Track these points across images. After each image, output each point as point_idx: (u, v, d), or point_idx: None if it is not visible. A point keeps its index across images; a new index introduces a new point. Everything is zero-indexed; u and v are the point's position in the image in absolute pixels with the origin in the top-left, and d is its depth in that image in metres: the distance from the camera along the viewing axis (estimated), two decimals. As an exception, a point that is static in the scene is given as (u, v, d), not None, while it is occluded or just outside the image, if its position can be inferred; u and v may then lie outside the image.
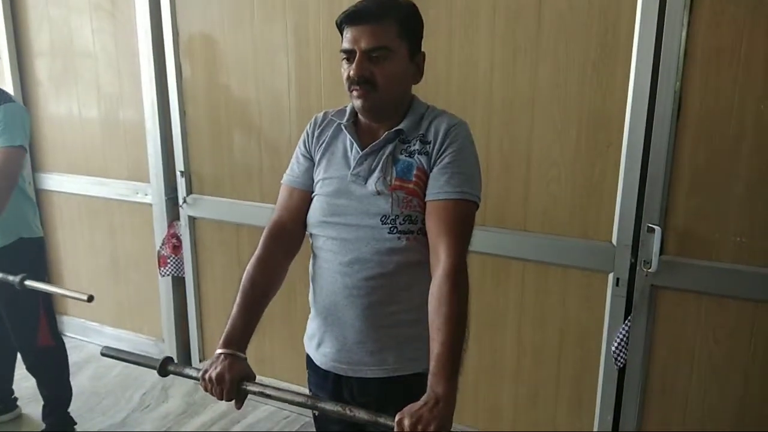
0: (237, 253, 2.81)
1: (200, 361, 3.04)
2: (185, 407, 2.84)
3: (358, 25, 1.25)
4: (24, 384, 2.78)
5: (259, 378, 1.31)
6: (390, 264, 1.29)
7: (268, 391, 1.25)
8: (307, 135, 1.43)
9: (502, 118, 2.09)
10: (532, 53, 2.00)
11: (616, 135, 1.93)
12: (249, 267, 1.39)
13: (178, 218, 2.92)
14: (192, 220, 2.87)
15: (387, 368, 1.34)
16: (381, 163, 1.30)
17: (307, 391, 1.50)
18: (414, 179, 1.28)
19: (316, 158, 1.40)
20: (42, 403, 2.54)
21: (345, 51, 1.27)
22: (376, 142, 1.32)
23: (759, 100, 1.73)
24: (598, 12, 1.88)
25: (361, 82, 1.25)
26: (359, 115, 1.36)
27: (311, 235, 1.41)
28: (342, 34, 1.29)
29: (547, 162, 2.05)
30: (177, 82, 2.72)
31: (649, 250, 1.90)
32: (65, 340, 2.62)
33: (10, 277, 2.09)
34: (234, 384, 1.25)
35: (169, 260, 2.96)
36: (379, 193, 1.28)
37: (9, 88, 3.19)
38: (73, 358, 2.63)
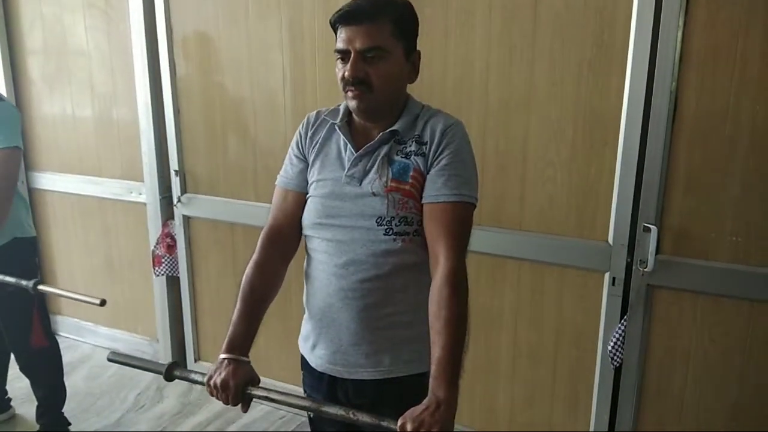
0: (232, 253, 2.80)
1: (195, 361, 3.03)
2: (180, 407, 2.83)
3: (353, 25, 1.23)
4: (17, 384, 2.76)
5: (254, 377, 1.31)
6: (385, 266, 1.28)
7: (272, 396, 1.26)
8: (300, 136, 1.41)
9: (498, 118, 2.08)
10: (527, 52, 1.99)
11: (612, 134, 1.92)
12: (248, 271, 1.38)
13: (172, 217, 2.91)
14: (186, 219, 2.86)
15: (382, 370, 1.34)
16: (376, 164, 1.29)
17: (302, 391, 1.49)
18: (410, 180, 1.27)
19: (310, 159, 1.38)
20: (36, 403, 2.52)
21: (339, 51, 1.26)
22: (371, 143, 1.30)
23: (754, 101, 1.73)
24: (593, 11, 1.88)
25: (356, 83, 1.24)
26: (353, 115, 1.34)
27: (306, 236, 1.40)
28: (336, 34, 1.27)
29: (543, 161, 2.05)
30: (171, 80, 2.70)
31: (645, 250, 1.90)
32: (59, 339, 2.60)
33: (24, 282, 2.10)
34: (239, 390, 1.26)
35: (163, 260, 2.95)
36: (374, 194, 1.27)
37: (1, 87, 3.17)
38: (67, 358, 2.62)
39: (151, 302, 3.12)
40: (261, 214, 2.54)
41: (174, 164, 2.80)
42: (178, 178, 2.80)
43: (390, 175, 1.28)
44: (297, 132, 1.42)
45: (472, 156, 1.31)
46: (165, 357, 3.11)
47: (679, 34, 1.77)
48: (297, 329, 1.50)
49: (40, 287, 2.06)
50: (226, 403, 1.28)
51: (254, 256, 1.39)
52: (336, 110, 1.38)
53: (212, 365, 1.31)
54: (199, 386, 2.92)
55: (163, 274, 2.98)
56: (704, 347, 1.93)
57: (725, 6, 1.71)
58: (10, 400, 2.73)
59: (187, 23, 2.63)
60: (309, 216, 1.36)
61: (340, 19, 1.25)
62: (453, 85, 2.13)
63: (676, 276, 1.91)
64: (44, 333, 2.43)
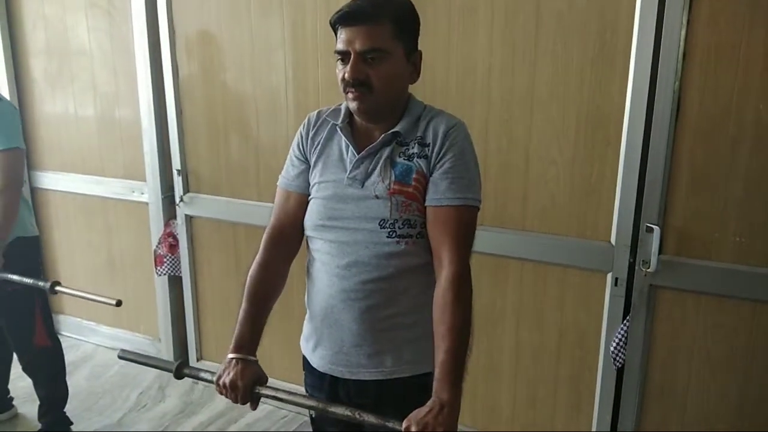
0: (234, 252, 2.80)
1: (198, 360, 3.03)
2: (182, 407, 2.83)
3: (352, 26, 1.22)
4: (20, 383, 2.76)
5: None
6: (388, 268, 1.28)
7: (280, 395, 1.30)
8: (301, 137, 1.40)
9: (501, 118, 2.08)
10: (530, 52, 1.99)
11: (615, 134, 1.92)
12: (252, 272, 1.39)
13: (174, 217, 2.91)
14: (189, 218, 2.86)
15: (384, 371, 1.34)
16: (379, 166, 1.28)
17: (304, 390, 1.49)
18: (413, 183, 1.27)
19: (312, 160, 1.37)
20: (38, 403, 2.52)
21: (339, 52, 1.25)
22: (373, 144, 1.30)
23: (758, 100, 1.72)
24: (596, 11, 1.87)
25: (357, 84, 1.23)
26: (355, 116, 1.34)
27: (308, 237, 1.39)
28: (336, 34, 1.26)
29: (545, 161, 2.04)
30: (173, 80, 2.70)
31: (648, 250, 1.90)
32: (61, 339, 2.61)
33: (41, 283, 2.15)
34: (247, 389, 1.29)
35: (165, 259, 2.95)
36: (377, 197, 1.27)
37: (4, 87, 3.17)
38: (69, 357, 2.62)
39: (153, 301, 3.12)
40: (263, 214, 2.54)
41: (176, 164, 2.80)
42: (180, 178, 2.80)
43: (393, 177, 1.27)
44: (298, 133, 1.41)
45: (474, 157, 1.31)
46: (167, 356, 3.11)
47: (683, 32, 1.76)
48: (298, 329, 1.49)
49: (58, 288, 2.10)
50: (236, 402, 1.31)
51: (258, 257, 1.40)
52: (337, 110, 1.37)
53: (220, 365, 1.34)
54: (200, 386, 2.95)
55: (165, 274, 2.98)
56: (707, 348, 1.92)
57: (728, 4, 1.70)
58: (12, 399, 2.74)
59: (190, 23, 2.63)
60: (311, 217, 1.35)
61: (339, 20, 1.24)
62: (455, 84, 2.12)
63: (679, 276, 1.90)
64: (47, 333, 2.43)
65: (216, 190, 2.75)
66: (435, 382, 1.18)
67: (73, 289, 2.19)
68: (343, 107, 1.36)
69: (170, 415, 2.77)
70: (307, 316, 1.45)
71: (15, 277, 2.17)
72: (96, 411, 2.79)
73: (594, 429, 2.16)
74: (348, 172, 1.30)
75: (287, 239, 1.40)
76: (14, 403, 2.74)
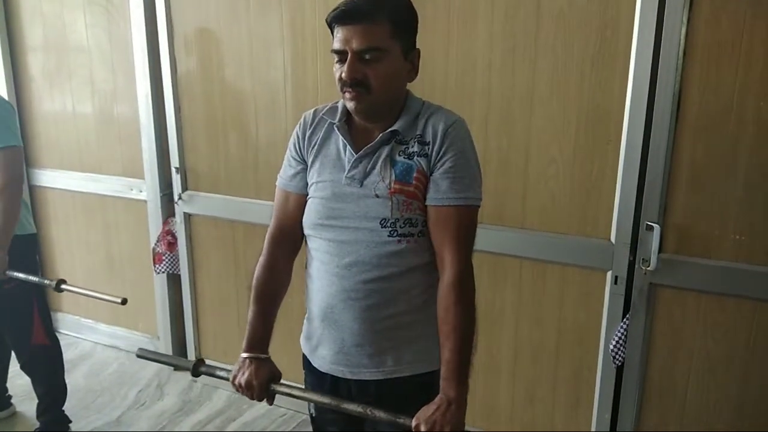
0: (233, 250, 2.79)
1: (196, 358, 3.01)
2: (181, 405, 2.82)
3: (349, 25, 1.20)
4: (18, 382, 2.76)
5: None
6: (389, 267, 1.27)
7: (294, 392, 1.36)
8: (297, 137, 1.39)
9: (501, 115, 2.07)
10: (530, 49, 1.98)
11: (615, 132, 1.91)
12: (257, 273, 1.41)
13: (173, 215, 2.90)
14: (187, 216, 2.85)
15: (385, 370, 1.33)
16: (378, 165, 1.27)
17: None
18: (414, 182, 1.26)
19: (309, 160, 1.36)
20: (36, 401, 2.52)
21: (336, 52, 1.23)
22: (371, 144, 1.28)
23: (758, 98, 1.71)
24: (597, 7, 1.86)
25: (354, 84, 1.21)
26: (352, 115, 1.32)
27: (307, 235, 1.39)
28: (332, 33, 1.25)
29: (545, 159, 2.03)
30: (172, 77, 2.69)
31: (648, 248, 1.89)
32: (59, 337, 2.60)
33: (47, 281, 2.19)
34: (262, 387, 1.36)
35: (164, 257, 2.94)
36: (377, 196, 1.26)
37: (2, 84, 3.16)
38: (67, 355, 2.61)
39: (151, 299, 3.12)
40: (262, 211, 2.55)
41: (175, 161, 2.79)
42: (178, 176, 2.79)
43: (393, 177, 1.26)
44: (294, 133, 1.40)
45: (475, 154, 1.30)
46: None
47: (683, 30, 1.75)
48: (298, 328, 1.49)
49: (64, 286, 2.11)
50: (252, 399, 1.38)
51: (262, 258, 1.41)
52: (334, 108, 1.35)
53: (235, 364, 1.40)
54: (199, 384, 2.95)
55: (163, 272, 2.97)
56: (707, 346, 1.92)
57: (729, 2, 1.69)
58: (10, 397, 2.73)
59: (188, 20, 2.62)
60: (310, 217, 1.35)
61: (335, 19, 1.22)
62: (455, 82, 2.11)
63: (679, 275, 1.90)
64: (45, 331, 2.43)
65: (215, 187, 2.75)
66: (441, 380, 1.23)
67: (79, 288, 2.21)
68: (340, 105, 1.34)
69: (169, 413, 2.76)
70: (307, 316, 1.45)
71: (21, 275, 2.19)
72: (94, 409, 2.79)
73: (593, 427, 2.15)
74: (346, 171, 1.29)
75: (289, 238, 1.40)
76: (12, 401, 2.74)
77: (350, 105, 1.26)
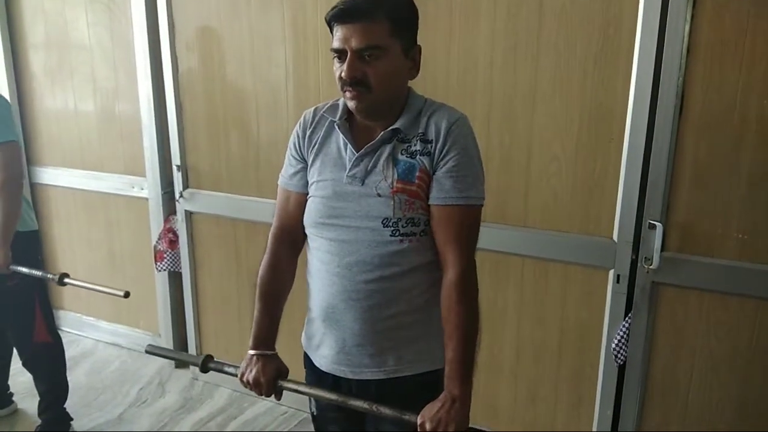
0: (234, 248, 2.79)
1: (197, 356, 3.02)
2: (183, 402, 2.82)
3: (348, 23, 1.19)
4: (20, 379, 2.76)
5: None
6: (391, 267, 1.27)
7: (301, 388, 1.38)
8: (297, 137, 1.38)
9: (503, 113, 2.06)
10: (532, 47, 1.97)
11: (618, 130, 1.90)
12: (261, 272, 1.42)
13: (174, 213, 2.90)
14: (189, 214, 2.85)
15: (387, 370, 1.33)
16: (380, 164, 1.26)
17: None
18: (417, 181, 1.25)
19: (309, 159, 1.36)
20: (37, 398, 2.52)
21: (335, 50, 1.22)
22: (372, 142, 1.27)
23: (762, 96, 1.70)
24: (599, 5, 1.86)
25: (354, 83, 1.21)
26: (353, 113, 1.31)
27: (308, 235, 1.38)
28: (332, 32, 1.24)
29: (547, 157, 2.03)
30: (173, 75, 2.69)
31: (651, 247, 1.88)
32: (61, 334, 2.60)
33: (50, 275, 2.21)
34: (270, 384, 1.38)
35: (165, 255, 2.94)
36: (380, 195, 1.25)
37: (3, 81, 3.16)
38: (69, 353, 2.62)
39: (153, 297, 3.12)
40: (263, 210, 2.55)
41: (176, 159, 2.79)
42: (180, 173, 2.79)
43: (395, 176, 1.25)
44: (294, 132, 1.39)
45: (478, 152, 1.29)
46: (167, 352, 3.11)
47: (687, 27, 1.74)
48: (298, 326, 1.49)
49: (66, 280, 2.12)
50: (260, 395, 1.40)
51: (265, 257, 1.42)
52: (335, 106, 1.34)
53: (242, 361, 1.41)
54: (201, 381, 2.95)
55: (165, 270, 2.97)
56: (709, 345, 1.91)
57: (733, 0, 1.68)
58: (12, 395, 2.73)
59: (190, 18, 2.61)
60: (311, 216, 1.34)
61: (335, 17, 1.21)
62: (457, 80, 2.11)
63: (682, 273, 1.89)
64: (47, 329, 2.43)
65: (216, 185, 2.74)
66: (446, 378, 1.24)
67: (81, 281, 2.22)
68: (340, 103, 1.33)
69: (170, 410, 2.77)
70: (308, 315, 1.44)
71: (24, 270, 2.20)
72: (96, 407, 2.79)
73: (595, 427, 2.15)
74: (347, 170, 1.28)
75: (291, 237, 1.41)
76: (14, 398, 2.74)
77: (351, 104, 1.25)
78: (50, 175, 3.27)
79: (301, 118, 1.39)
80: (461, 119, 1.28)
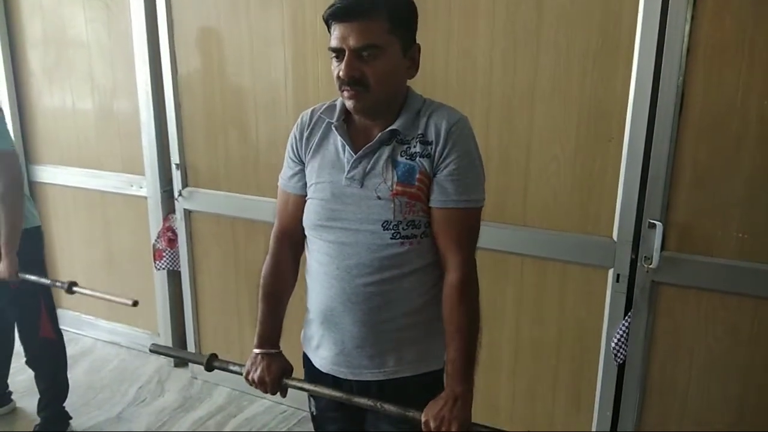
0: (233, 247, 2.78)
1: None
2: (181, 401, 2.82)
3: (345, 22, 1.18)
4: (19, 378, 2.77)
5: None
6: (391, 270, 1.26)
7: (306, 386, 1.40)
8: (295, 139, 1.37)
9: (502, 111, 2.06)
10: (532, 45, 1.97)
11: (618, 129, 1.90)
12: (264, 273, 1.43)
13: (173, 211, 2.90)
14: (188, 213, 2.85)
15: (386, 371, 1.33)
16: (379, 166, 1.25)
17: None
18: (417, 183, 1.24)
19: (306, 160, 1.35)
20: (37, 397, 2.52)
21: (333, 49, 1.21)
22: (370, 143, 1.26)
23: (762, 96, 1.70)
24: (599, 4, 1.85)
25: (352, 83, 1.20)
26: (351, 113, 1.30)
27: (307, 237, 1.38)
28: (329, 31, 1.23)
29: (547, 156, 2.02)
30: (172, 73, 2.68)
31: (650, 246, 1.88)
32: (60, 333, 2.60)
33: (58, 283, 2.23)
34: (275, 382, 1.40)
35: (164, 254, 2.94)
36: (379, 198, 1.24)
37: (1, 80, 3.15)
38: (68, 351, 2.60)
39: (152, 296, 3.11)
40: (262, 208, 2.55)
41: (175, 158, 2.78)
42: (179, 172, 2.78)
43: (395, 178, 1.24)
44: (291, 134, 1.38)
45: (478, 153, 1.28)
46: (166, 351, 3.11)
47: (687, 27, 1.74)
48: (297, 325, 1.49)
49: (75, 289, 2.12)
50: (265, 393, 1.42)
51: (267, 259, 1.43)
52: (332, 107, 1.33)
53: (247, 360, 1.44)
54: (200, 380, 2.95)
55: (164, 268, 2.97)
56: (709, 345, 1.91)
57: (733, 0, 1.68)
58: (11, 393, 2.73)
59: (189, 16, 2.60)
60: (309, 218, 1.33)
61: (332, 16, 1.20)
62: (456, 78, 2.10)
63: (681, 273, 1.89)
64: (51, 326, 2.45)
65: (215, 184, 2.74)
66: (448, 376, 1.27)
67: (91, 290, 2.26)
68: (338, 103, 1.32)
69: (169, 409, 2.76)
70: (307, 316, 1.44)
71: (33, 278, 2.20)
72: (95, 405, 2.79)
73: (594, 425, 2.15)
74: (346, 172, 1.27)
75: (293, 238, 1.41)
76: (13, 397, 2.74)
77: (349, 104, 1.24)
78: (48, 174, 3.27)
79: (299, 120, 1.38)
80: (461, 120, 1.27)
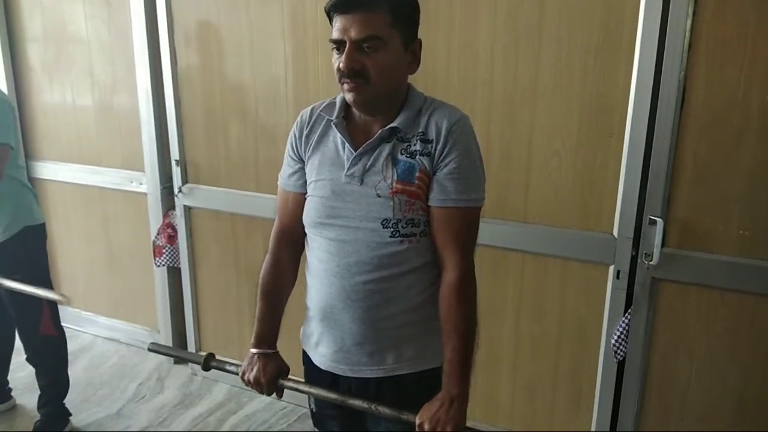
0: (233, 243, 2.78)
1: (196, 351, 3.01)
2: (181, 398, 2.82)
3: (347, 14, 1.18)
4: (19, 374, 2.76)
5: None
6: (390, 268, 1.26)
7: (302, 387, 1.40)
8: (295, 137, 1.37)
9: (503, 107, 2.05)
10: (534, 41, 1.96)
11: (619, 125, 1.90)
12: (263, 272, 1.43)
13: (173, 208, 2.89)
14: (188, 209, 2.84)
15: (386, 368, 1.33)
16: (379, 163, 1.25)
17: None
18: (416, 182, 1.24)
19: (306, 157, 1.34)
20: (37, 393, 2.52)
21: (334, 41, 1.21)
22: (370, 140, 1.26)
23: (764, 92, 1.70)
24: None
25: (352, 75, 1.19)
26: (352, 109, 1.30)
27: (307, 234, 1.38)
28: (331, 23, 1.22)
29: (548, 152, 2.02)
30: (172, 69, 2.67)
31: (651, 243, 1.88)
32: (59, 330, 2.59)
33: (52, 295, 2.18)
34: (270, 383, 1.40)
35: (164, 250, 2.93)
36: (379, 195, 1.24)
37: (1, 76, 3.14)
38: (68, 348, 2.61)
39: (151, 293, 3.11)
40: (263, 205, 2.54)
41: (175, 154, 2.78)
42: (179, 168, 2.77)
43: (395, 176, 1.24)
44: (291, 132, 1.38)
45: (479, 153, 1.28)
46: (166, 347, 3.11)
47: (688, 23, 1.73)
48: (297, 322, 1.48)
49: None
50: (261, 393, 1.42)
51: (267, 257, 1.43)
52: (331, 104, 1.33)
53: (244, 360, 1.43)
54: (199, 377, 2.95)
55: (164, 265, 2.96)
56: (709, 342, 1.91)
57: (736, -6, 1.68)
58: (10, 390, 2.73)
59: (189, 11, 2.60)
60: (309, 215, 1.33)
61: (334, 7, 1.20)
62: (457, 73, 2.10)
63: (682, 269, 1.88)
64: (53, 322, 2.44)
65: (215, 180, 2.73)
66: (444, 377, 1.25)
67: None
68: (338, 101, 1.32)
69: (169, 406, 2.76)
70: (307, 313, 1.44)
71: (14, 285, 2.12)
72: (94, 402, 2.78)
73: (594, 423, 2.15)
74: (345, 169, 1.27)
75: (293, 237, 1.40)
76: (13, 393, 2.74)
77: (349, 96, 1.23)
78: (48, 170, 3.26)
79: (298, 118, 1.38)
80: (462, 119, 1.26)
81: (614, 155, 1.92)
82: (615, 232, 1.96)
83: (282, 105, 2.48)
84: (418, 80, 1.35)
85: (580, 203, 2.01)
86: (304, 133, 1.35)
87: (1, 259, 2.25)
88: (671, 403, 2.01)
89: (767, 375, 1.85)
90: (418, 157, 1.24)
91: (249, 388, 1.42)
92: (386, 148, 1.25)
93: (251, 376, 1.39)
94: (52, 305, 2.43)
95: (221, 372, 1.53)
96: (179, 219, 2.87)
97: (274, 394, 1.43)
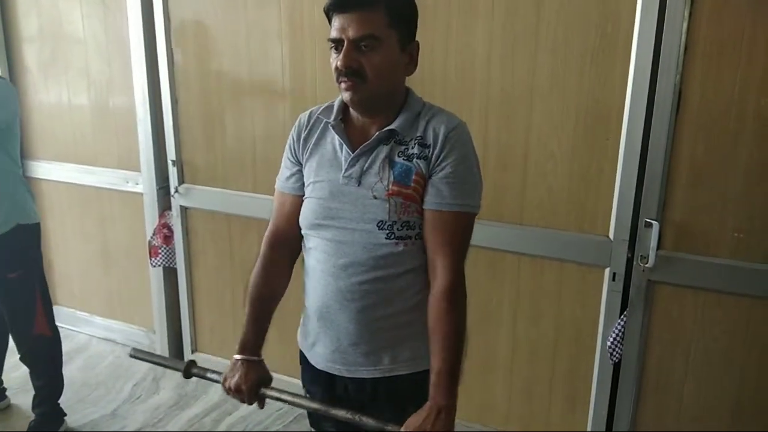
0: (229, 244, 2.78)
1: (192, 352, 3.01)
2: (177, 399, 2.81)
3: (345, 13, 1.19)
4: (13, 374, 2.75)
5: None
6: (386, 269, 1.26)
7: (284, 396, 1.36)
8: (293, 140, 1.37)
9: (500, 110, 2.06)
10: (530, 43, 1.97)
11: (615, 128, 1.90)
12: (253, 277, 1.41)
13: (169, 208, 2.89)
14: (184, 210, 2.84)
15: (382, 368, 1.33)
16: (376, 165, 1.25)
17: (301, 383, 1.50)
18: (413, 184, 1.24)
19: (304, 160, 1.35)
20: (31, 393, 2.51)
21: (332, 40, 1.22)
22: (368, 142, 1.26)
23: (759, 94, 1.71)
24: (597, 2, 1.85)
25: (349, 73, 1.20)
26: (349, 110, 1.30)
27: (304, 235, 1.37)
28: (330, 22, 1.24)
29: (544, 154, 2.02)
30: (168, 69, 2.67)
31: (647, 245, 1.88)
32: (54, 330, 2.58)
33: None
34: (252, 392, 1.36)
35: (160, 251, 2.93)
36: (375, 197, 1.24)
37: (-3, 74, 3.14)
38: (63, 348, 2.60)
39: (147, 293, 3.10)
40: (259, 205, 2.54)
41: (171, 154, 2.77)
42: (175, 168, 2.77)
43: (391, 178, 1.24)
44: (290, 135, 1.39)
45: (476, 160, 1.28)
46: (161, 348, 3.10)
47: (684, 25, 1.74)
48: (294, 322, 1.48)
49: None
50: (242, 402, 1.38)
51: (259, 260, 1.41)
52: (330, 107, 1.34)
53: (228, 365, 1.40)
54: (195, 378, 2.92)
55: (159, 265, 2.96)
56: (704, 343, 1.92)
57: (732, -2, 1.68)
58: (5, 390, 2.72)
59: (185, 11, 2.59)
60: (307, 216, 1.33)
61: (332, 7, 1.21)
62: (454, 76, 2.10)
63: (677, 272, 1.89)
64: (47, 322, 2.42)
65: (211, 181, 2.73)
66: (431, 386, 1.22)
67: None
68: (336, 103, 1.33)
69: (165, 406, 2.75)
70: (304, 314, 1.44)
71: None
72: (90, 402, 2.78)
73: (590, 425, 2.15)
74: (343, 170, 1.27)
75: (287, 241, 1.40)
76: (7, 393, 2.73)
77: (346, 96, 1.24)
78: (44, 169, 3.25)
79: (297, 122, 1.39)
80: (460, 126, 1.27)
81: (610, 158, 1.93)
82: (611, 235, 1.97)
83: (279, 106, 2.48)
84: (416, 82, 1.35)
85: (576, 205, 2.01)
86: (303, 135, 1.36)
87: None
88: (667, 404, 2.02)
89: (762, 377, 1.86)
90: (415, 160, 1.24)
91: (230, 395, 1.39)
92: (384, 150, 1.26)
93: (232, 382, 1.36)
94: (47, 304, 2.42)
95: (219, 371, 1.50)
96: (175, 219, 2.86)
97: (255, 404, 1.40)
